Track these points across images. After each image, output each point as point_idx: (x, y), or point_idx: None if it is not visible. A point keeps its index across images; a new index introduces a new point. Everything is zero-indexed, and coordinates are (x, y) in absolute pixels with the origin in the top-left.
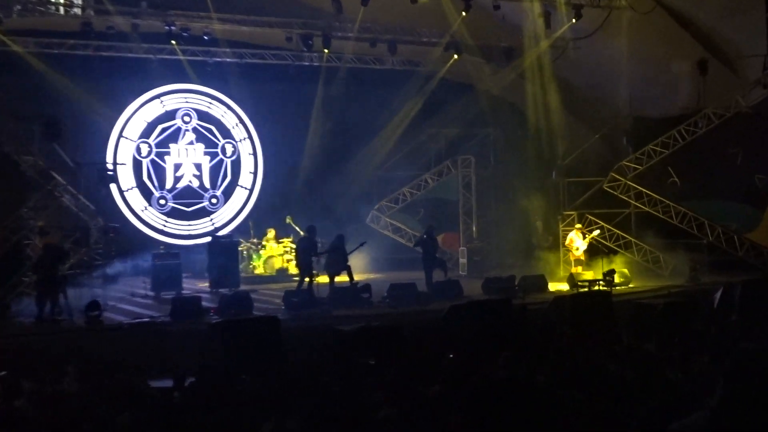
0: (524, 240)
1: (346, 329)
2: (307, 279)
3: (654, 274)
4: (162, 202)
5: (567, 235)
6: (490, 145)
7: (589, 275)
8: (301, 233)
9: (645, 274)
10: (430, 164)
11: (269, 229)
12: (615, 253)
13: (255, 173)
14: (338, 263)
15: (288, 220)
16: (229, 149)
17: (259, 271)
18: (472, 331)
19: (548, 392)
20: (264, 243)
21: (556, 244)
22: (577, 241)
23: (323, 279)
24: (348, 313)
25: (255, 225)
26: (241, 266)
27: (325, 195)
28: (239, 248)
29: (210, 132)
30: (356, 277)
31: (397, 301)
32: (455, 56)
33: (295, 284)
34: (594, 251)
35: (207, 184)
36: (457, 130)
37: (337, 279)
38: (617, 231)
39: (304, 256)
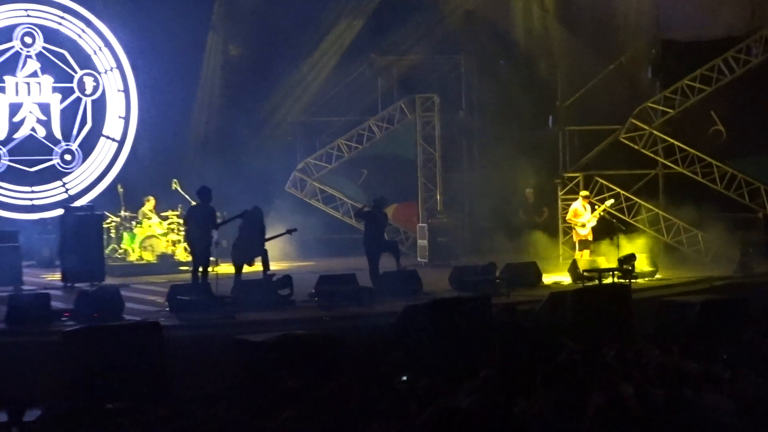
0: (509, 214)
1: (256, 340)
2: (201, 269)
3: (690, 261)
4: None
5: (569, 206)
6: (460, 79)
7: (599, 263)
8: (193, 203)
9: (677, 260)
10: (377, 107)
11: (147, 198)
12: (635, 231)
13: (127, 119)
14: (251, 247)
15: (174, 186)
16: (89, 84)
17: (134, 257)
18: (434, 342)
19: (533, 427)
20: (140, 218)
21: (554, 219)
22: (584, 215)
23: (226, 269)
24: (260, 317)
25: (127, 192)
26: (107, 251)
27: (228, 150)
28: (104, 225)
29: (62, 59)
30: (273, 266)
31: (330, 300)
32: None
33: (185, 276)
34: (606, 229)
35: (57, 134)
36: (414, 59)
37: (247, 269)
38: (639, 200)
39: (198, 234)
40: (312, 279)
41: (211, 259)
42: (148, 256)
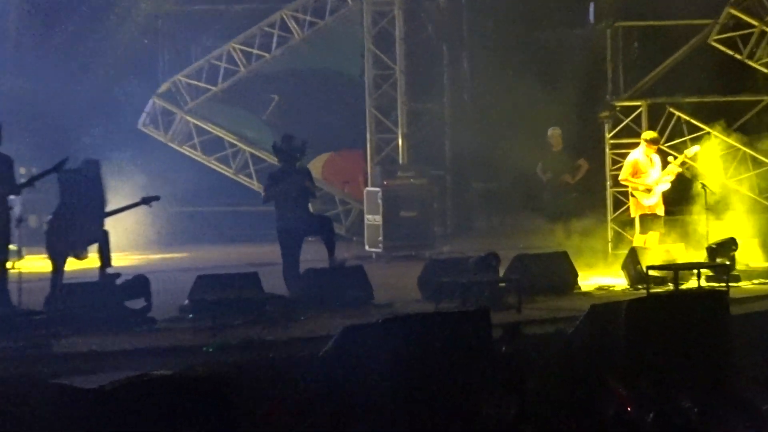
0: (520, 171)
1: (88, 387)
2: None
3: None
4: None
5: (625, 159)
6: None
7: (675, 253)
8: None
9: None
10: None
11: None
12: (735, 201)
13: None
14: (80, 228)
15: None
16: None
17: None
18: (391, 390)
19: None
20: None
21: (596, 179)
22: (649, 173)
23: (35, 263)
24: (95, 345)
25: None
26: None
27: (32, 62)
28: None
29: None
30: (118, 261)
31: (215, 316)
32: None
33: None
34: (687, 197)
35: None
36: None
37: (74, 264)
38: (743, 148)
39: None
40: (186, 282)
41: (11, 247)
42: None
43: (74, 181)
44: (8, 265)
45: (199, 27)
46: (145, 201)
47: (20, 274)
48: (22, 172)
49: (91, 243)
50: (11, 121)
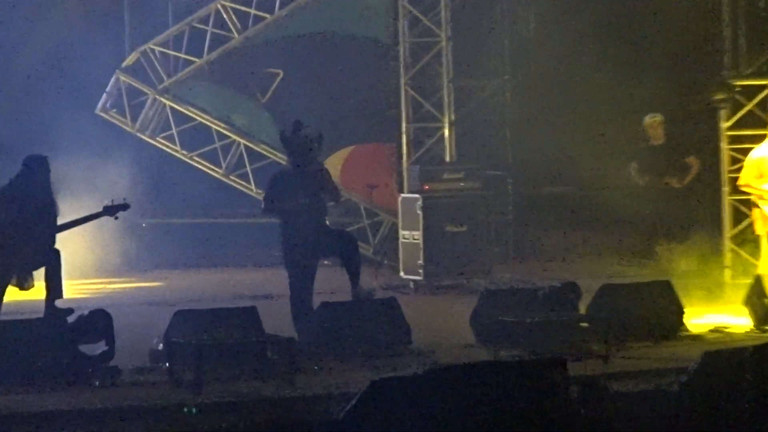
0: (608, 172)
1: None
2: None
3: None
4: None
5: (749, 154)
6: None
7: None
8: None
9: None
10: None
11: None
12: None
13: None
14: (23, 248)
15: None
16: None
17: None
18: None
19: None
20: None
21: (710, 183)
22: None
23: None
24: (42, 405)
25: None
26: None
27: None
28: None
29: None
30: (71, 291)
31: (199, 365)
32: None
33: None
34: None
35: None
36: None
37: (13, 295)
38: None
39: None
40: (160, 318)
41: None
42: None
43: (15, 186)
44: None
45: None
46: (109, 211)
47: None
48: None
49: (36, 267)
50: None
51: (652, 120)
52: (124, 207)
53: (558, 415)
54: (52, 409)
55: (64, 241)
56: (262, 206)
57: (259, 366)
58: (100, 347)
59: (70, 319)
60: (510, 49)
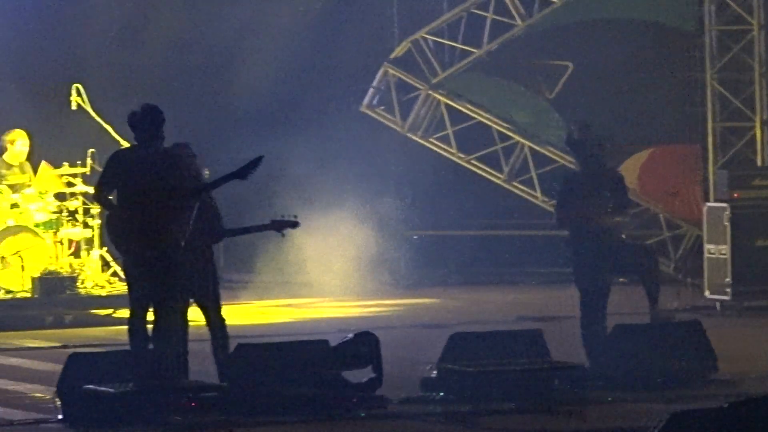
0: None
1: None
2: (153, 309)
3: None
4: None
5: None
6: None
7: None
8: (122, 142)
9: None
10: None
11: (9, 136)
12: None
13: None
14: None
15: (75, 99)
16: None
17: None
18: None
19: None
20: (4, 184)
21: None
22: None
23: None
24: None
25: None
26: None
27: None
28: None
29: None
30: (329, 310)
31: (479, 390)
32: None
33: (115, 330)
34: None
35: None
36: None
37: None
38: None
39: (145, 219)
40: (433, 342)
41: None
42: (9, 281)
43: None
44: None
45: None
46: (276, 225)
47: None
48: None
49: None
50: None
51: None
52: (293, 224)
53: None
54: None
55: (326, 258)
56: (555, 217)
57: (545, 397)
58: (367, 374)
59: (333, 342)
60: None
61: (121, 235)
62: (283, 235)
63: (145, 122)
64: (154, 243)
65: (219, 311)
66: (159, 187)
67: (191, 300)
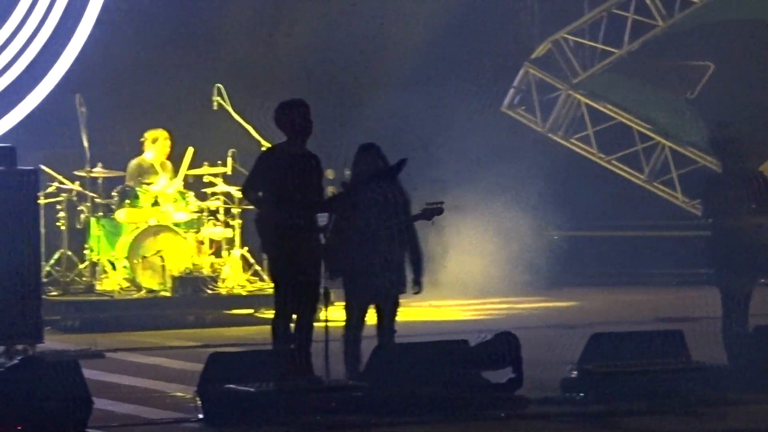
0: None
1: None
2: (296, 312)
3: None
4: None
5: None
6: None
7: None
8: (263, 143)
9: None
10: None
11: (154, 135)
12: None
13: None
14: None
15: (217, 100)
16: None
17: (114, 281)
18: None
19: None
20: (132, 183)
21: None
22: None
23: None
24: None
25: (98, 134)
26: (48, 265)
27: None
28: (46, 198)
29: None
30: (474, 312)
31: (620, 392)
32: None
33: (258, 330)
34: None
35: None
36: None
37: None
38: None
39: (290, 223)
40: (574, 343)
41: (323, 290)
42: (150, 280)
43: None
44: (317, 312)
45: None
46: (428, 214)
47: (326, 328)
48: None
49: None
50: None
51: None
52: (439, 211)
53: None
54: None
55: (465, 258)
56: (702, 213)
57: (685, 398)
58: (506, 374)
59: (473, 342)
60: None
61: (275, 234)
62: (432, 223)
63: (297, 117)
64: (308, 242)
65: (394, 317)
66: (311, 187)
67: (372, 302)
